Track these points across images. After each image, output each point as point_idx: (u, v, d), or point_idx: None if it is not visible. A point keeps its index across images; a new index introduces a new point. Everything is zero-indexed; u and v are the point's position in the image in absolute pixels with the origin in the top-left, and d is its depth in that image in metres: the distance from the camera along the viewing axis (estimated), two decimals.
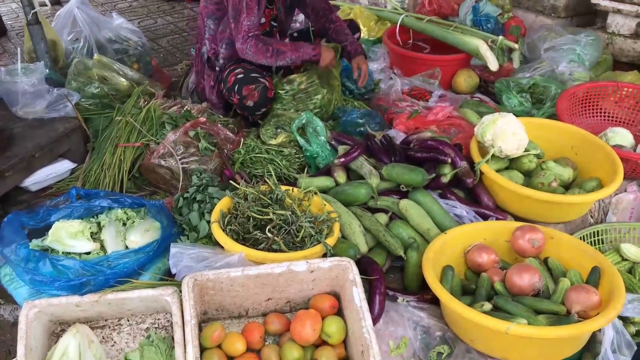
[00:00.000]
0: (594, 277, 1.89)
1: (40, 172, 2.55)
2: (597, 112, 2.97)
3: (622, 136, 2.68)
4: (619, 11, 3.61)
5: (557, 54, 3.38)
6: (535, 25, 3.87)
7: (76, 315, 1.83)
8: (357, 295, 1.76)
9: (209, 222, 2.11)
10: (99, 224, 2.14)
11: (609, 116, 2.96)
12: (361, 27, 3.86)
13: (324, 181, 2.40)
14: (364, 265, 2.00)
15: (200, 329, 1.78)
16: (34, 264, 1.90)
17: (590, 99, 2.95)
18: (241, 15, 2.63)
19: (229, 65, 2.89)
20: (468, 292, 2.00)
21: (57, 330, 1.84)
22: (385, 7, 4.09)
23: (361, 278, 1.82)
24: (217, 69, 2.93)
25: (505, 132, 2.35)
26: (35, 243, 2.05)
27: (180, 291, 1.75)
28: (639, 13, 3.51)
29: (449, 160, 2.39)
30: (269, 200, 2.06)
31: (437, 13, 3.91)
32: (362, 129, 2.81)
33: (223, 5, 2.78)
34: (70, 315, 1.82)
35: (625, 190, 2.61)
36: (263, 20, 2.88)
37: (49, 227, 2.07)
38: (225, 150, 2.63)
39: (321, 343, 1.82)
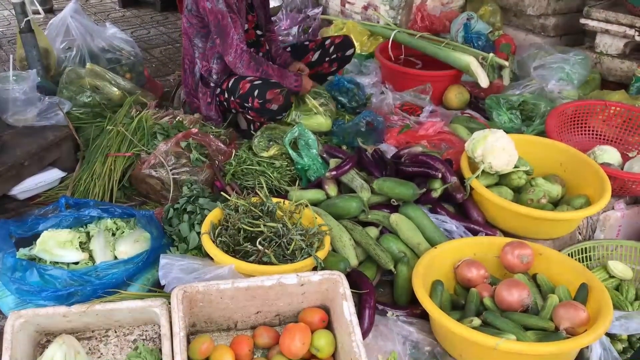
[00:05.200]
0: (582, 294, 1.90)
1: (29, 180, 2.53)
2: (585, 130, 3.00)
3: (609, 154, 2.71)
4: (607, 31, 3.67)
5: (547, 72, 3.42)
6: (525, 44, 3.93)
7: (63, 326, 1.81)
8: (347, 309, 1.76)
9: (199, 233, 2.10)
10: (88, 233, 2.12)
11: (597, 134, 3.00)
12: (354, 41, 3.89)
13: (315, 194, 2.40)
14: (354, 278, 2.00)
15: (188, 342, 1.77)
16: (21, 273, 1.88)
17: (579, 117, 2.99)
18: (229, 30, 2.69)
19: (225, 77, 2.90)
20: (457, 307, 2.00)
21: (42, 341, 1.82)
22: (378, 22, 4.13)
23: (351, 292, 1.82)
24: (212, 84, 2.94)
25: (495, 148, 2.38)
26: (22, 252, 2.02)
27: (169, 303, 1.74)
28: (627, 34, 3.58)
29: (440, 176, 2.41)
30: (260, 213, 2.06)
31: (429, 29, 3.96)
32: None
33: (206, 22, 2.80)
34: (57, 325, 1.80)
35: (613, 208, 2.64)
36: (247, 27, 2.91)
37: (37, 236, 2.05)
38: (217, 162, 2.63)
39: (310, 357, 1.81)
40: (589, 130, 3.01)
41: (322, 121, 2.97)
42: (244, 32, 2.82)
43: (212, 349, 1.76)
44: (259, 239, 1.96)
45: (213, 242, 1.98)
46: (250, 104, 2.75)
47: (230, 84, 2.83)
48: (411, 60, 3.80)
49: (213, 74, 2.92)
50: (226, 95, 2.86)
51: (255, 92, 2.72)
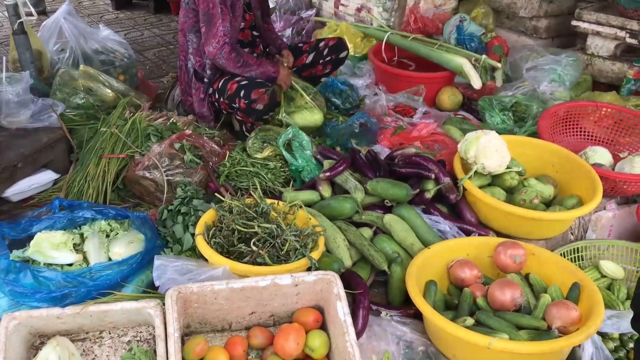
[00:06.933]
0: (574, 293, 1.92)
1: (22, 182, 2.52)
2: (577, 131, 3.03)
3: (601, 155, 2.73)
4: (598, 33, 3.70)
5: (539, 74, 3.45)
6: (517, 45, 3.96)
7: (57, 327, 1.80)
8: (341, 309, 1.77)
9: (193, 234, 2.10)
10: (82, 235, 2.12)
11: (588, 135, 3.02)
12: (347, 43, 3.91)
13: (309, 195, 2.41)
14: (348, 279, 2.00)
15: (183, 343, 1.77)
16: (15, 275, 1.87)
17: (571, 118, 3.01)
18: (215, 20, 2.69)
19: (218, 75, 2.90)
20: (451, 307, 2.01)
21: (36, 342, 1.82)
22: (372, 24, 4.15)
23: (345, 292, 1.83)
24: (206, 80, 2.95)
25: (488, 149, 2.39)
26: (16, 254, 2.02)
27: (164, 304, 1.74)
28: (618, 35, 3.61)
29: (433, 176, 2.42)
30: (254, 214, 2.06)
31: (422, 31, 3.98)
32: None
33: None
34: (51, 327, 1.80)
35: (605, 208, 2.66)
36: (242, 25, 2.92)
37: (30, 238, 2.05)
38: (211, 163, 2.63)
39: (304, 357, 1.82)
40: (580, 132, 3.03)
41: (317, 116, 2.97)
42: (236, 30, 2.82)
43: (207, 349, 1.76)
44: (253, 240, 1.97)
45: (207, 243, 1.98)
46: (237, 105, 2.77)
47: (220, 85, 2.85)
48: (404, 62, 3.82)
49: (207, 69, 2.92)
50: (217, 96, 2.87)
51: (242, 93, 2.74)
